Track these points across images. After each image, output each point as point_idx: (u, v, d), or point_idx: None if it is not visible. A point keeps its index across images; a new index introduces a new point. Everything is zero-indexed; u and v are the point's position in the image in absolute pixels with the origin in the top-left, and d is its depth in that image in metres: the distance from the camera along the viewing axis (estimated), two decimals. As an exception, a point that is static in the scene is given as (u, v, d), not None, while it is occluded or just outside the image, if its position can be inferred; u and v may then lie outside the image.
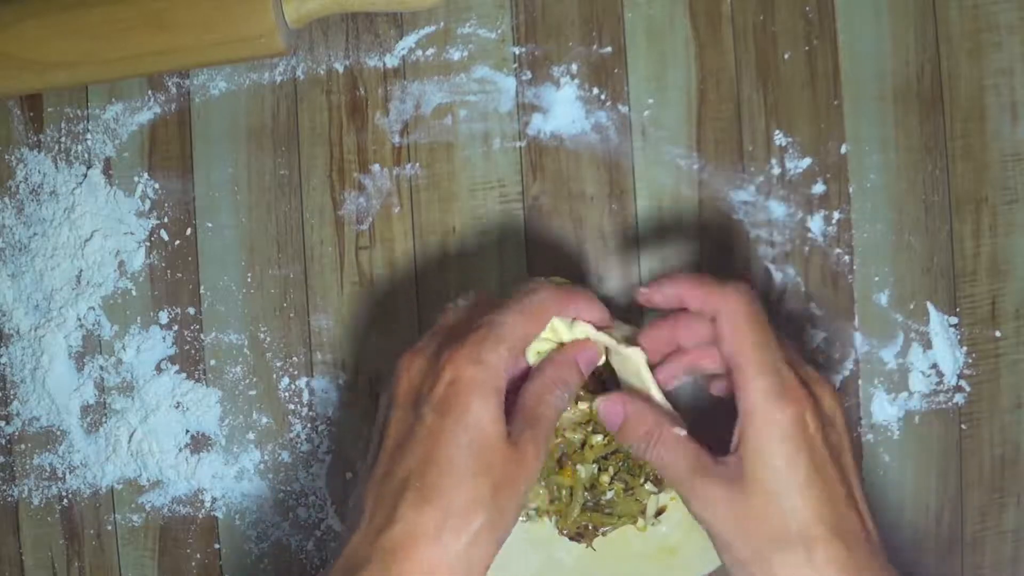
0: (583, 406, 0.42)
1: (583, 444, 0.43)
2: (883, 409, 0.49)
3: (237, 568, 0.51)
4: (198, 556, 0.52)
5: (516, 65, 0.50)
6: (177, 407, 0.51)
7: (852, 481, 0.36)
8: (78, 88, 0.52)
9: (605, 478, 0.43)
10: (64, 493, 0.52)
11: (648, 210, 0.50)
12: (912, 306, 0.49)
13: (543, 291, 0.38)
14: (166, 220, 0.52)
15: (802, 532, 0.35)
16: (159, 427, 0.51)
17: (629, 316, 0.50)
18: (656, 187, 0.50)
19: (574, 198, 0.50)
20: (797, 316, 0.49)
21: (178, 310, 0.52)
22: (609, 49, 0.50)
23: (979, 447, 0.49)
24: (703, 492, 0.36)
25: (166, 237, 0.52)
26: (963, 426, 0.49)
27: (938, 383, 0.49)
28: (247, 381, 0.51)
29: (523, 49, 0.50)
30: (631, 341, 0.40)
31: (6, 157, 0.53)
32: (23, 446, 0.52)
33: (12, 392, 0.52)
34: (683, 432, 0.38)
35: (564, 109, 0.50)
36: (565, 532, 0.44)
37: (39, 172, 0.52)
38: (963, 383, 0.49)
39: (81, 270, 0.52)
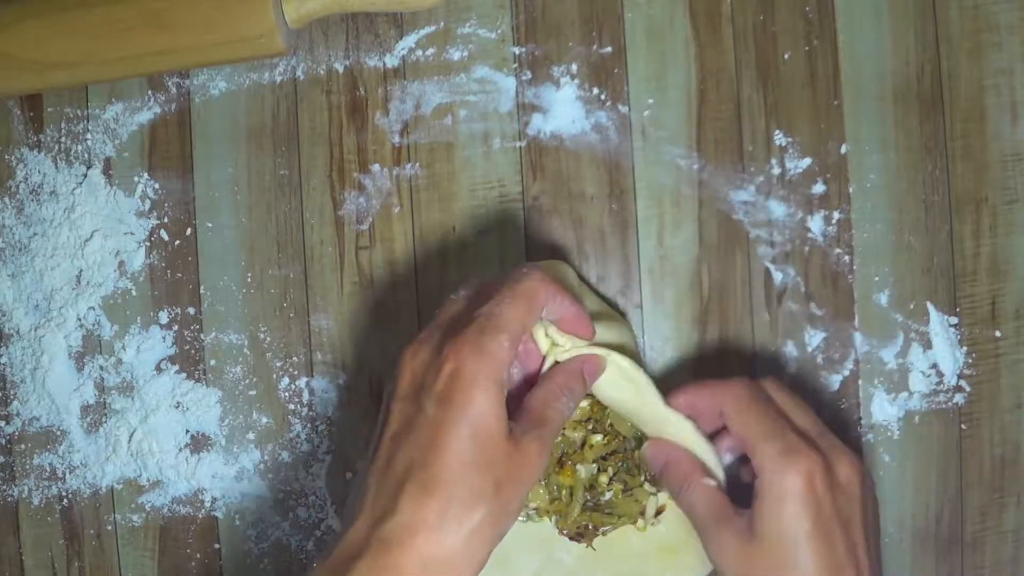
0: (583, 403, 0.42)
1: (583, 443, 0.43)
2: (883, 409, 0.49)
3: (237, 568, 0.51)
4: (198, 556, 0.52)
5: (516, 65, 0.50)
6: (177, 407, 0.51)
7: (858, 549, 0.38)
8: (78, 88, 0.52)
9: (604, 478, 0.43)
10: (64, 493, 0.52)
11: (648, 210, 0.50)
12: (912, 306, 0.49)
13: (534, 277, 0.38)
14: (166, 220, 0.52)
15: None
16: (159, 427, 0.51)
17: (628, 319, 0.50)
18: (656, 187, 0.50)
19: (574, 198, 0.50)
20: (797, 316, 0.49)
21: (178, 310, 0.52)
22: (609, 49, 0.50)
23: (979, 447, 0.49)
24: (718, 539, 0.39)
25: (166, 237, 0.52)
26: (963, 426, 0.49)
27: (938, 383, 0.49)
28: (247, 381, 0.51)
29: (523, 49, 0.50)
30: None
31: (6, 157, 0.53)
32: (23, 446, 0.52)
33: (12, 392, 0.52)
34: (713, 483, 0.40)
35: (564, 109, 0.50)
36: (565, 532, 0.44)
37: (39, 172, 0.52)
38: (963, 383, 0.49)
39: (81, 270, 0.52)
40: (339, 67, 0.51)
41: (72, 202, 0.52)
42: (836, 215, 0.49)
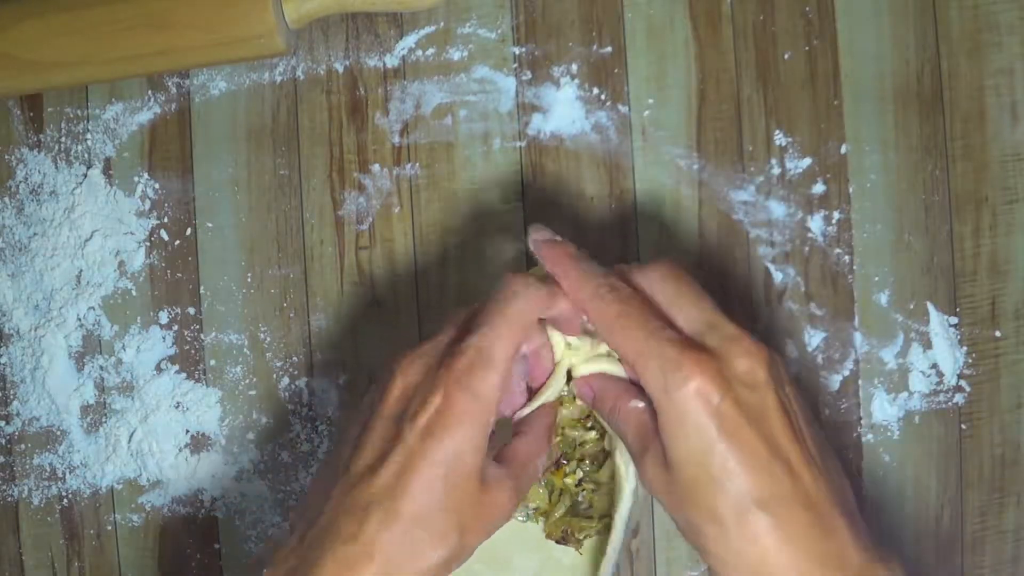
0: (581, 402, 0.42)
1: (580, 442, 0.43)
2: (883, 409, 0.49)
3: (237, 568, 0.51)
4: (198, 556, 0.52)
5: (516, 65, 0.50)
6: (177, 407, 0.51)
7: (780, 441, 0.33)
8: (78, 88, 0.52)
9: (571, 480, 0.43)
10: (64, 493, 0.52)
11: (648, 210, 0.50)
12: (912, 306, 0.49)
13: (524, 295, 0.37)
14: (166, 220, 0.52)
15: (722, 507, 0.33)
16: (159, 427, 0.51)
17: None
18: (656, 187, 0.50)
19: (574, 198, 0.50)
20: (797, 316, 0.49)
21: (178, 310, 0.52)
22: (609, 49, 0.50)
23: (979, 447, 0.49)
24: (643, 466, 0.36)
25: (166, 237, 0.52)
26: (963, 426, 0.49)
27: (938, 383, 0.49)
28: (247, 381, 0.51)
29: (523, 49, 0.50)
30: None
31: (6, 157, 0.53)
32: (23, 446, 0.52)
33: (12, 392, 0.52)
34: (641, 404, 0.36)
35: (564, 109, 0.50)
36: (552, 537, 0.43)
37: (39, 172, 0.52)
38: (963, 383, 0.49)
39: (81, 270, 0.52)
40: (339, 67, 0.51)
41: (72, 202, 0.52)
42: (836, 215, 0.49)
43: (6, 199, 0.53)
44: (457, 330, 0.38)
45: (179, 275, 0.52)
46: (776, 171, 0.49)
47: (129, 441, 0.51)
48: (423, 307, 0.50)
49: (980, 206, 0.49)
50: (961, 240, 0.49)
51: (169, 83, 0.52)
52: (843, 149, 0.49)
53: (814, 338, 0.49)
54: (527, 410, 0.39)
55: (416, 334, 0.50)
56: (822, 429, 0.37)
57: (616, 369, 0.39)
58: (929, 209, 0.49)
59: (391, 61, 0.51)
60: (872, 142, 0.49)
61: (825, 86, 0.49)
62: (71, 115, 0.52)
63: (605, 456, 0.43)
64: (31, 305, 0.52)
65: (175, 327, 0.52)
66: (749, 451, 0.33)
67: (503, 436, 0.39)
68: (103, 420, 0.52)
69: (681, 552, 0.50)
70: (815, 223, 0.49)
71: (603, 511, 0.43)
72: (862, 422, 0.49)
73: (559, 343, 0.40)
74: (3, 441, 0.53)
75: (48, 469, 0.52)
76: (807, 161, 0.49)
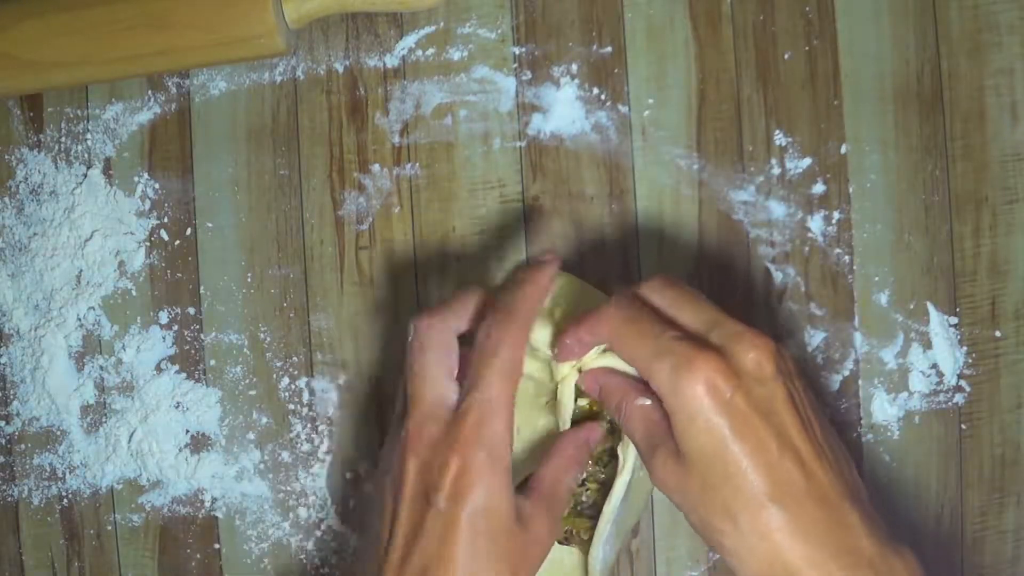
0: (583, 401, 0.42)
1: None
2: (883, 409, 0.49)
3: (237, 568, 0.51)
4: (198, 556, 0.52)
5: (516, 65, 0.50)
6: (177, 407, 0.51)
7: (791, 433, 0.34)
8: (78, 88, 0.52)
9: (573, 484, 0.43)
10: (64, 493, 0.52)
11: (648, 210, 0.50)
12: (912, 306, 0.49)
13: (507, 351, 0.37)
14: (166, 220, 0.52)
15: (736, 503, 0.33)
16: (159, 427, 0.51)
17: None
18: (656, 187, 0.50)
19: (574, 198, 0.50)
20: (797, 316, 0.49)
21: (178, 310, 0.52)
22: (609, 49, 0.50)
23: (979, 447, 0.49)
24: (655, 462, 0.36)
25: (166, 237, 0.52)
26: (963, 426, 0.49)
27: (938, 383, 0.49)
28: (247, 381, 0.51)
29: (523, 49, 0.50)
30: None
31: (6, 157, 0.53)
32: (23, 446, 0.52)
33: (12, 392, 0.52)
34: (648, 401, 0.37)
35: (564, 109, 0.50)
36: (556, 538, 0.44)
37: (39, 172, 0.52)
38: (963, 383, 0.49)
39: (81, 270, 0.52)
40: (339, 67, 0.51)
41: (72, 202, 0.52)
42: (836, 215, 0.49)
43: (6, 199, 0.53)
44: (434, 383, 0.38)
45: (179, 275, 0.52)
46: (776, 171, 0.49)
47: (129, 441, 0.51)
48: (423, 307, 0.50)
49: (980, 206, 0.49)
50: (961, 240, 0.49)
51: (169, 83, 0.52)
52: (843, 149, 0.49)
53: (814, 338, 0.49)
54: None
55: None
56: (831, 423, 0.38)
57: (624, 364, 0.39)
58: (929, 209, 0.49)
59: (391, 61, 0.51)
60: (872, 142, 0.49)
61: (825, 86, 0.49)
62: (71, 115, 0.52)
63: (611, 456, 0.43)
64: (31, 305, 0.52)
65: (175, 327, 0.52)
66: (760, 446, 0.33)
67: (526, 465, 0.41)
68: (103, 420, 0.52)
69: (681, 552, 0.50)
70: (815, 223, 0.49)
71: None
72: (862, 422, 0.49)
73: (560, 369, 0.40)
74: (3, 441, 0.53)
75: (48, 469, 0.52)
76: (807, 161, 0.49)
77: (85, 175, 0.52)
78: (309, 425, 0.51)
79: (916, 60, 0.49)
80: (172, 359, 0.52)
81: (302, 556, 0.51)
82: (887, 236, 0.49)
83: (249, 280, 0.51)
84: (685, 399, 0.34)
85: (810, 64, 0.49)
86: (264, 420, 0.51)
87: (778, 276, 0.49)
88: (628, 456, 0.39)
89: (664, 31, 0.50)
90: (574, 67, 0.50)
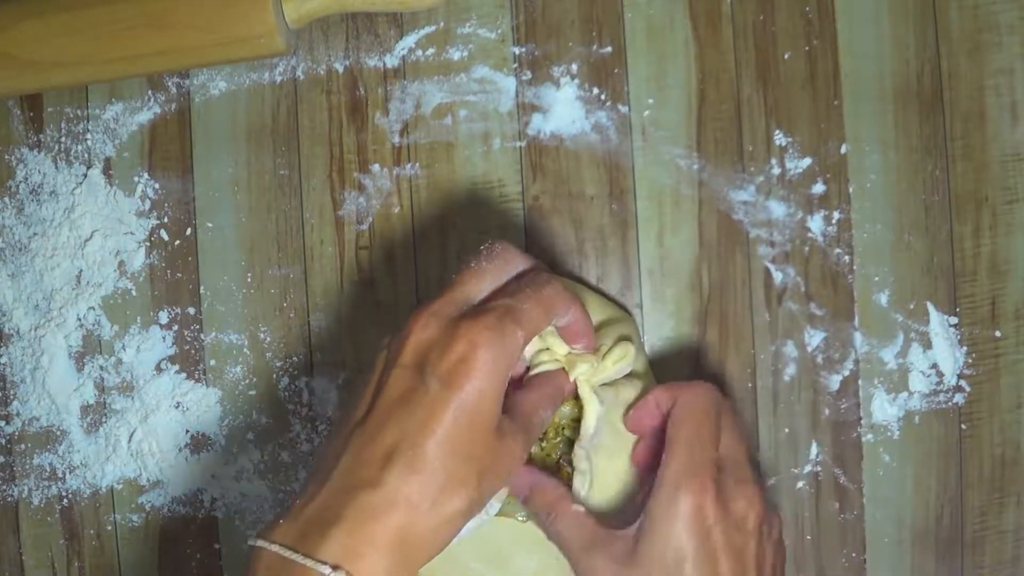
0: (567, 408, 0.42)
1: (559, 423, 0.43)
2: (883, 409, 0.49)
3: (237, 568, 0.51)
4: (198, 556, 0.52)
5: (516, 65, 0.50)
6: (177, 407, 0.51)
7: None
8: (78, 88, 0.52)
9: (551, 459, 0.43)
10: (64, 493, 0.52)
11: (648, 210, 0.50)
12: (912, 306, 0.49)
13: (556, 286, 0.38)
14: (166, 220, 0.52)
15: None
16: (159, 427, 0.51)
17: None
18: (656, 187, 0.50)
19: (574, 198, 0.50)
20: (797, 316, 0.49)
21: (178, 310, 0.52)
22: (609, 49, 0.50)
23: (979, 447, 0.49)
24: (591, 562, 0.37)
25: (166, 237, 0.52)
26: (963, 426, 0.49)
27: (938, 383, 0.49)
28: (247, 381, 0.51)
29: (523, 49, 0.50)
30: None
31: (6, 157, 0.53)
32: (23, 446, 0.52)
33: (12, 392, 0.52)
34: (581, 509, 0.39)
35: (564, 109, 0.50)
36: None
37: (39, 172, 0.52)
38: (963, 383, 0.49)
39: (81, 270, 0.52)
40: (339, 67, 0.51)
41: (72, 202, 0.52)
42: (836, 215, 0.49)
43: (6, 199, 0.53)
44: (480, 288, 0.38)
45: (179, 275, 0.52)
46: (776, 171, 0.49)
47: (129, 441, 0.51)
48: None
49: (980, 206, 0.49)
50: (961, 240, 0.49)
51: (169, 83, 0.52)
52: (843, 149, 0.49)
53: (814, 338, 0.49)
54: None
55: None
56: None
57: (626, 394, 0.41)
58: (929, 209, 0.49)
59: (391, 61, 0.51)
60: (872, 142, 0.49)
61: (825, 86, 0.49)
62: (71, 115, 0.52)
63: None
64: (31, 305, 0.52)
65: (175, 327, 0.52)
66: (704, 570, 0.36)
67: None
68: (103, 420, 0.52)
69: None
70: (815, 223, 0.49)
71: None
72: (862, 422, 0.49)
73: (532, 345, 0.40)
74: (3, 441, 0.53)
75: (48, 469, 0.52)
76: (807, 161, 0.49)
77: (85, 175, 0.52)
78: (309, 425, 0.51)
79: (916, 60, 0.49)
80: (172, 359, 0.52)
81: (302, 556, 0.51)
82: (887, 236, 0.49)
83: (249, 280, 0.51)
84: (675, 500, 0.36)
85: (810, 64, 0.49)
86: (264, 420, 0.51)
87: (778, 276, 0.49)
88: (590, 410, 0.41)
89: (664, 31, 0.50)
90: (574, 67, 0.50)
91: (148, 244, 0.52)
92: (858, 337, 0.49)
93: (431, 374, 0.35)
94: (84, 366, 0.52)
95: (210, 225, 0.51)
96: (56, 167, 0.52)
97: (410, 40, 0.50)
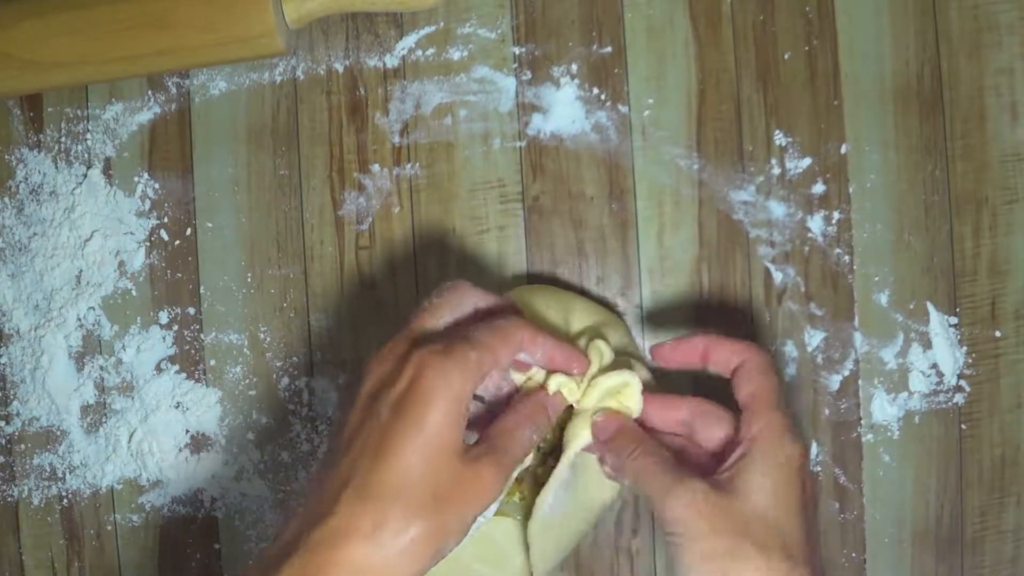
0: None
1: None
2: (883, 409, 0.49)
3: (237, 568, 0.51)
4: (198, 556, 0.52)
5: (516, 65, 0.50)
6: (177, 407, 0.51)
7: (814, 522, 0.39)
8: (78, 88, 0.52)
9: (542, 472, 0.43)
10: (64, 493, 0.52)
11: (648, 210, 0.50)
12: (912, 306, 0.49)
13: (514, 322, 0.38)
14: (166, 220, 0.52)
15: (772, 539, 0.36)
16: (159, 427, 0.51)
17: (628, 321, 0.50)
18: (656, 187, 0.50)
19: (574, 198, 0.50)
20: (797, 316, 0.49)
21: (178, 310, 0.52)
22: (609, 49, 0.50)
23: (979, 447, 0.49)
24: (682, 487, 0.37)
25: (166, 237, 0.52)
26: (963, 426, 0.49)
27: (938, 383, 0.49)
28: (247, 381, 0.51)
29: (523, 49, 0.50)
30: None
31: (6, 157, 0.53)
32: (23, 446, 0.52)
33: (12, 392, 0.52)
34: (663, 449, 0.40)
35: (564, 109, 0.50)
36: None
37: (39, 172, 0.52)
38: (963, 383, 0.49)
39: (81, 270, 0.52)
40: (339, 67, 0.51)
41: (72, 202, 0.52)
42: (836, 215, 0.49)
43: (6, 199, 0.53)
44: (436, 322, 0.38)
45: (179, 275, 0.52)
46: (776, 171, 0.49)
47: (129, 441, 0.51)
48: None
49: (980, 206, 0.49)
50: (961, 240, 0.49)
51: (169, 83, 0.52)
52: (843, 149, 0.49)
53: (814, 338, 0.49)
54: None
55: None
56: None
57: (629, 401, 0.40)
58: (929, 209, 0.49)
59: (391, 61, 0.51)
60: (872, 142, 0.49)
61: (825, 86, 0.49)
62: (71, 115, 0.52)
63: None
64: (31, 305, 0.52)
65: (175, 327, 0.52)
66: (807, 524, 0.37)
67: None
68: (103, 420, 0.52)
69: (681, 552, 0.50)
70: (815, 223, 0.49)
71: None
72: (862, 422, 0.49)
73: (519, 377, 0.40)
74: (3, 441, 0.53)
75: (48, 469, 0.52)
76: (807, 161, 0.49)
77: (85, 175, 0.52)
78: (309, 425, 0.51)
79: (916, 60, 0.49)
80: (172, 359, 0.52)
81: (302, 556, 0.51)
82: (887, 236, 0.49)
83: (249, 280, 0.51)
84: (783, 451, 0.37)
85: (810, 64, 0.49)
86: (264, 420, 0.51)
87: (778, 276, 0.49)
88: (570, 447, 0.40)
89: (664, 31, 0.50)
90: (574, 67, 0.50)
91: (148, 244, 0.52)
92: (858, 337, 0.49)
93: (383, 402, 0.35)
94: (84, 366, 0.52)
95: (210, 225, 0.51)
96: (56, 167, 0.52)
97: (410, 40, 0.50)
